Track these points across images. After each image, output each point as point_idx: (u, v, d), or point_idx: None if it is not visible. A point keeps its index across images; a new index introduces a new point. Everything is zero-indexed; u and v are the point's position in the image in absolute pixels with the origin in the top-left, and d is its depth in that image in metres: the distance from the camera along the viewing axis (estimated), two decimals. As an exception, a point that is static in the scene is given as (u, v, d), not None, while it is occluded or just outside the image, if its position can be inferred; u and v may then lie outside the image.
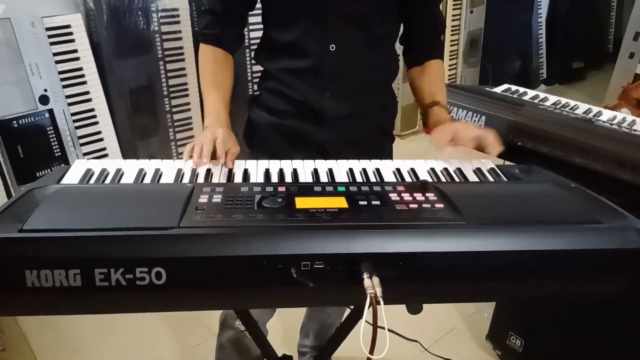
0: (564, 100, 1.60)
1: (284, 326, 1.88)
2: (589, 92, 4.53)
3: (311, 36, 1.08)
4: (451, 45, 3.81)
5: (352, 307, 0.98)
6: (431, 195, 0.81)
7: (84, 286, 0.64)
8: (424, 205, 0.78)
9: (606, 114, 1.54)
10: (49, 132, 2.11)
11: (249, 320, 1.02)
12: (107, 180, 0.89)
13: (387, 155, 1.27)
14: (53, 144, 2.12)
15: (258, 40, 1.21)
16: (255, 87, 1.23)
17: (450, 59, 3.83)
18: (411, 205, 0.78)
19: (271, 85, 1.16)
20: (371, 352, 0.65)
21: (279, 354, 1.15)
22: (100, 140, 2.25)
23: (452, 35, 3.76)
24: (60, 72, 2.10)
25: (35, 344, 1.84)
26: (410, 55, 1.25)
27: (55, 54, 2.08)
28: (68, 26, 2.10)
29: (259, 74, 1.23)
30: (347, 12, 1.07)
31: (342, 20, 1.07)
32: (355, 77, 1.13)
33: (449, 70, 3.87)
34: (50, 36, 2.06)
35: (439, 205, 0.78)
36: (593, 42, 5.06)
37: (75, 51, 2.13)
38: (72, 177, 0.90)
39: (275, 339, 1.13)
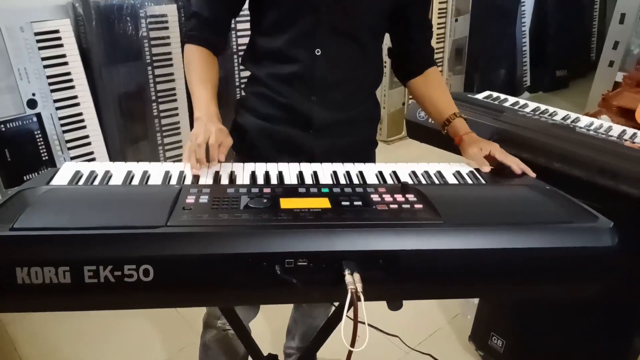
0: (543, 107, 1.65)
1: (270, 328, 1.90)
2: (572, 100, 4.61)
3: (300, 44, 1.10)
4: (437, 53, 3.87)
5: (335, 304, 1.01)
6: (411, 197, 0.84)
7: (73, 283, 0.66)
8: (403, 206, 0.81)
9: (584, 120, 1.60)
10: (37, 136, 2.11)
11: (235, 318, 1.04)
12: (96, 182, 0.91)
13: (372, 161, 1.29)
14: (41, 147, 2.12)
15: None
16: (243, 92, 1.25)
17: (435, 67, 3.89)
18: (391, 206, 0.81)
19: (259, 89, 1.18)
20: (352, 344, 0.68)
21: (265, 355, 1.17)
22: (88, 144, 2.25)
23: (437, 43, 3.82)
24: (49, 77, 2.11)
25: (23, 352, 1.84)
26: (406, 66, 1.27)
27: (43, 59, 2.09)
28: (57, 31, 2.11)
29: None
30: (339, 27, 1.10)
31: (333, 32, 1.10)
32: (344, 85, 1.15)
33: (435, 77, 3.92)
34: (39, 41, 2.07)
35: (418, 206, 0.81)
36: (576, 51, 5.17)
37: (63, 56, 2.14)
38: (61, 178, 0.91)
39: (261, 341, 1.15)
